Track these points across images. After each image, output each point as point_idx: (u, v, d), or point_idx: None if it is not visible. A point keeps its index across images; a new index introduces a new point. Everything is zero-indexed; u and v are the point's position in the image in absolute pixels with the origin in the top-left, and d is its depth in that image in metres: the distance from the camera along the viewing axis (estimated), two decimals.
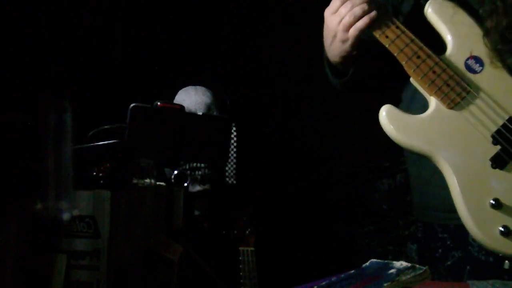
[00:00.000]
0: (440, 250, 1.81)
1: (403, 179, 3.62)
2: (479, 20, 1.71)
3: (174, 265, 1.81)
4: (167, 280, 1.81)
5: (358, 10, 1.69)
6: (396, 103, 1.88)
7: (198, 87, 3.08)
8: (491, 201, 1.62)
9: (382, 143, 1.79)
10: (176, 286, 1.83)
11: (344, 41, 1.73)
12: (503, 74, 1.69)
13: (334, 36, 1.74)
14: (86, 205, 1.70)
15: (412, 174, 1.90)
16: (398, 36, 1.69)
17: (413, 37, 1.70)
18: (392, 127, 1.69)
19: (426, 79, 1.69)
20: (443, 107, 1.69)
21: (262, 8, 3.58)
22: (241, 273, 2.98)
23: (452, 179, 1.65)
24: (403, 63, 1.70)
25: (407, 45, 1.69)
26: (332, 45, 1.76)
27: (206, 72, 3.41)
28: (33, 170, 1.20)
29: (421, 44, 1.69)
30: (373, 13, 1.69)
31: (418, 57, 1.69)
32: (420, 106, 1.73)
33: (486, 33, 1.69)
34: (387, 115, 1.69)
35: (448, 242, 1.79)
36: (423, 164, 1.75)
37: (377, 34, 1.70)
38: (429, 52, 1.69)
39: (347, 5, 1.69)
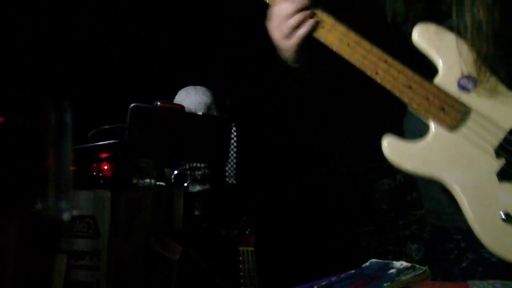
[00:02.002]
0: (455, 252, 1.80)
1: (403, 179, 3.62)
2: (462, 36, 1.70)
3: (174, 265, 1.81)
4: (167, 280, 1.81)
5: (293, 21, 1.75)
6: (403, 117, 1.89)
7: (198, 87, 3.07)
8: (502, 216, 1.62)
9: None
10: (176, 286, 1.84)
11: (285, 49, 1.82)
12: (497, 86, 1.68)
13: (277, 43, 1.83)
14: (86, 205, 1.70)
15: (421, 181, 1.90)
16: (386, 72, 1.70)
17: (401, 68, 1.70)
18: (396, 157, 1.71)
19: (420, 108, 1.70)
20: (442, 130, 1.69)
21: (262, 8, 3.58)
22: (241, 273, 2.98)
23: (462, 198, 1.66)
24: (397, 95, 1.71)
25: (395, 78, 1.70)
26: (278, 47, 1.85)
27: (206, 72, 3.41)
28: (33, 170, 1.20)
29: (411, 74, 1.70)
30: (311, 21, 1.74)
31: (410, 87, 1.70)
32: None
33: (471, 44, 1.68)
34: (388, 146, 1.71)
35: (462, 244, 1.79)
36: None
37: (367, 72, 1.71)
38: (420, 79, 1.70)
39: (283, 17, 1.77)
